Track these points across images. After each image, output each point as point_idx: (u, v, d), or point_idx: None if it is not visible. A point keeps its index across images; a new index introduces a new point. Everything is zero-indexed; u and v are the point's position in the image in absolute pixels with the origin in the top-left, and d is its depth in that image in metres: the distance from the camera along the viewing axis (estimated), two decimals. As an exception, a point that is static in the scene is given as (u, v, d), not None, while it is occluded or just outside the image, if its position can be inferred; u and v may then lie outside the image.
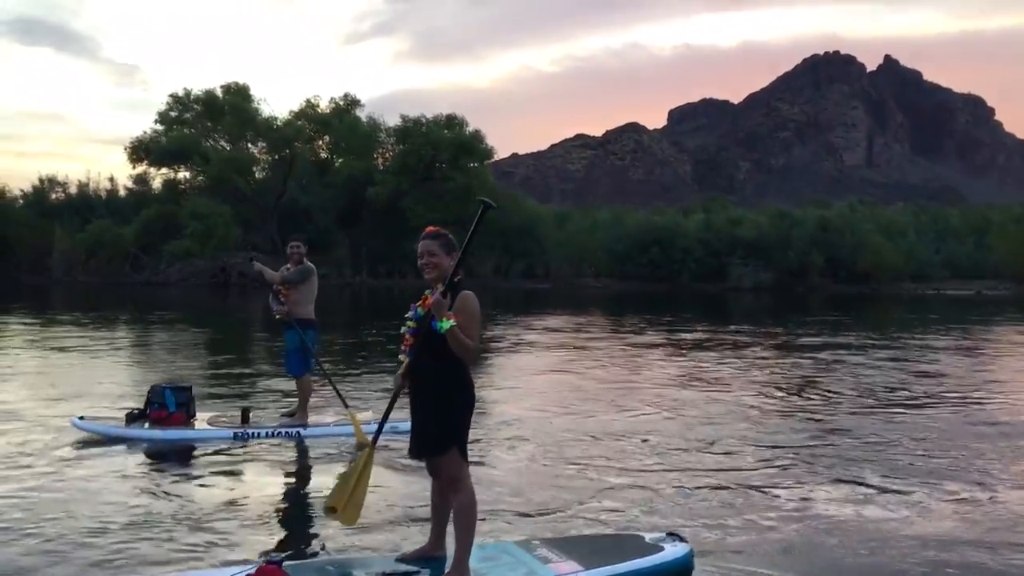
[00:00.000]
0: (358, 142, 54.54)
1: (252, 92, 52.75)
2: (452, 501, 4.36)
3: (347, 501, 4.45)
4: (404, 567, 4.44)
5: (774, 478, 6.63)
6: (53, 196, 53.59)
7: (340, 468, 6.75)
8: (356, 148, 54.32)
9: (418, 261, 4.41)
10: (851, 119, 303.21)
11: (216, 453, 7.37)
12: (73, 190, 53.94)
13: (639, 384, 11.63)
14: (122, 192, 54.95)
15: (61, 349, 15.20)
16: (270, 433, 7.88)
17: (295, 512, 5.91)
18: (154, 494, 6.10)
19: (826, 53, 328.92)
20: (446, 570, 4.28)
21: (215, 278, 46.19)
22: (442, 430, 4.26)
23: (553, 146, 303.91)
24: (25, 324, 21.41)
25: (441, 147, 52.93)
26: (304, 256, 8.25)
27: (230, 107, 49.14)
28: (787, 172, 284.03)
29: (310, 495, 6.34)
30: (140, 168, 52.96)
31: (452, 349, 4.16)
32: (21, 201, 52.57)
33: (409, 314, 4.40)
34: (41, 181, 54.50)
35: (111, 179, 55.32)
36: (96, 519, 5.50)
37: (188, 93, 52.70)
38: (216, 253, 46.36)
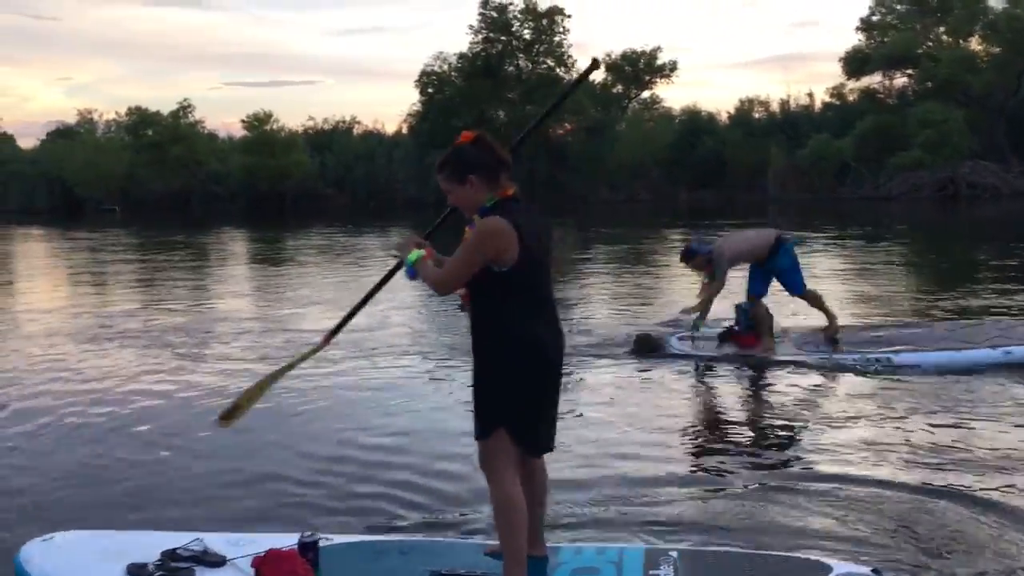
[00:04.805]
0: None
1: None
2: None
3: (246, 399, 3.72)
4: (485, 563, 3.55)
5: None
6: (756, 115, 55.42)
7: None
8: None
9: None
10: None
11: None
12: (775, 107, 55.11)
13: None
14: (818, 107, 54.59)
15: None
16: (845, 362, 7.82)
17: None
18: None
19: None
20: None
21: (943, 190, 43.14)
22: (475, 406, 3.31)
23: None
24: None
25: None
26: None
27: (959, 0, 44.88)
28: None
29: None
30: (841, 80, 51.70)
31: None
32: (727, 122, 55.39)
33: None
34: (741, 102, 56.85)
35: (809, 94, 55.16)
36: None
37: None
38: (944, 164, 43.22)
